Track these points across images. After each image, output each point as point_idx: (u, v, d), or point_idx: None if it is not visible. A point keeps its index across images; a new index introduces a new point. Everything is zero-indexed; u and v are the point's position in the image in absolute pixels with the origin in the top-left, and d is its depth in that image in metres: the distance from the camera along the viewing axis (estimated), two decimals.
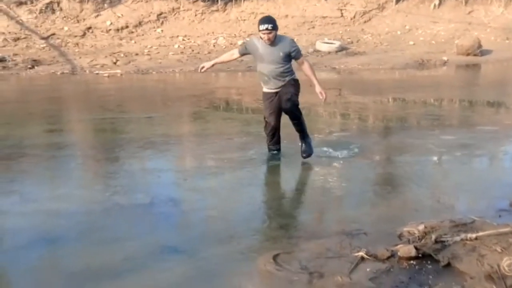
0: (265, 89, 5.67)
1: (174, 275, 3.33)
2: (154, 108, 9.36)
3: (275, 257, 3.53)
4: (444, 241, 3.56)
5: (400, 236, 3.81)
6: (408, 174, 5.53)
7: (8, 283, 3.39)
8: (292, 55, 5.46)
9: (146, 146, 6.62)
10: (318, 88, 5.55)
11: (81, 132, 7.99)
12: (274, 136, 5.80)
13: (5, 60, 14.02)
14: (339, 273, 3.26)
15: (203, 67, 5.79)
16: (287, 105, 5.49)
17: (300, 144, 5.79)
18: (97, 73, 13.54)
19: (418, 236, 3.72)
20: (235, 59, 6.02)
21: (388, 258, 3.45)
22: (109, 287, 3.19)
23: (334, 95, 10.41)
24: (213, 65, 5.82)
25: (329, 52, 16.69)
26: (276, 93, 5.57)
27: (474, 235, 3.60)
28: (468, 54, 16.61)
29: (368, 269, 3.32)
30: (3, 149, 6.35)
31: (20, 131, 7.33)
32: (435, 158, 6.14)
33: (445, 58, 16.20)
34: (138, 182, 5.32)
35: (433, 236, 3.61)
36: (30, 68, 13.67)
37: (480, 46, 16.79)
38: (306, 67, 5.55)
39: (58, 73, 13.42)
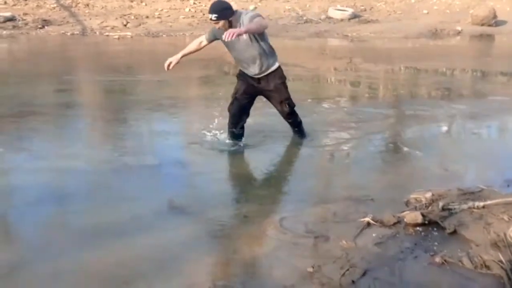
0: (244, 71, 4.95)
1: (180, 235, 3.36)
2: (164, 71, 9.29)
3: (281, 220, 3.54)
4: (451, 209, 3.56)
5: (407, 203, 3.81)
6: (417, 143, 5.50)
7: (18, 238, 3.44)
8: None
9: (155, 109, 6.62)
10: (238, 29, 4.33)
11: (91, 92, 7.98)
12: (240, 118, 5.07)
13: (15, 19, 13.93)
14: (344, 238, 3.27)
15: (170, 63, 4.96)
16: (286, 117, 5.13)
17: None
18: (107, 35, 13.46)
19: (425, 204, 3.71)
20: (204, 47, 5.05)
21: (394, 224, 3.45)
22: (116, 244, 3.22)
23: (346, 63, 10.31)
24: (180, 58, 4.98)
25: (342, 20, 16.42)
26: (259, 80, 4.90)
27: (481, 204, 3.59)
28: (482, 25, 16.30)
29: (374, 235, 3.33)
30: (13, 107, 6.37)
31: (30, 90, 7.33)
32: (445, 127, 6.11)
33: (459, 28, 15.92)
34: (146, 144, 5.34)
35: (440, 204, 3.60)
36: (40, 28, 13.59)
37: (495, 16, 16.46)
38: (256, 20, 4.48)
39: (68, 33, 13.36)
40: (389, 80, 9.20)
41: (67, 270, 2.90)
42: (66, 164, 4.60)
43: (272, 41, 4.90)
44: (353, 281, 2.78)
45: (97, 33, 13.66)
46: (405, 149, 5.29)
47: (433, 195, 3.82)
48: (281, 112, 5.12)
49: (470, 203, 3.62)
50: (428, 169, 4.77)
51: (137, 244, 3.22)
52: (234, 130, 5.13)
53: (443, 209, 3.56)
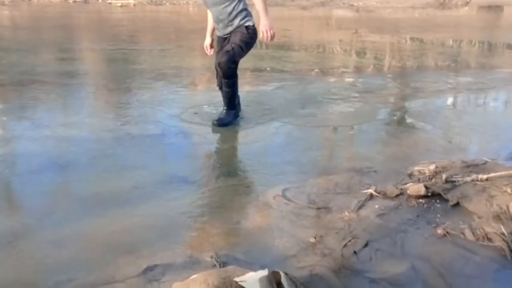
0: (217, 33, 5.01)
1: (182, 204, 3.35)
2: (167, 40, 9.23)
3: (284, 191, 3.54)
4: (454, 181, 3.54)
5: (410, 175, 3.80)
6: (421, 114, 5.47)
7: (21, 206, 3.44)
8: None
9: (158, 78, 6.58)
10: (263, 23, 4.42)
11: (93, 61, 7.92)
12: None
13: None
14: (347, 209, 3.27)
15: (207, 48, 5.20)
16: (221, 58, 4.70)
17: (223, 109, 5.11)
18: (109, 3, 13.32)
19: (429, 176, 3.70)
20: None
21: (397, 196, 3.44)
22: (118, 213, 3.23)
23: (351, 33, 10.20)
24: (212, 37, 5.15)
25: None
26: (227, 38, 4.88)
27: (485, 176, 3.57)
28: None
29: (376, 206, 3.32)
30: (15, 75, 6.34)
31: (31, 58, 7.28)
32: (450, 99, 6.06)
33: None
34: (148, 113, 5.31)
35: (444, 176, 3.58)
36: None
37: None
38: None
39: (70, 1, 13.21)
40: (394, 51, 9.11)
41: (70, 238, 2.91)
42: (69, 133, 4.59)
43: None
44: (355, 252, 2.78)
45: (100, 0, 13.51)
46: (410, 120, 5.26)
47: (436, 167, 3.80)
48: (220, 55, 4.75)
49: (474, 176, 3.60)
50: (432, 141, 4.75)
51: (139, 213, 3.22)
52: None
53: (446, 181, 3.54)
